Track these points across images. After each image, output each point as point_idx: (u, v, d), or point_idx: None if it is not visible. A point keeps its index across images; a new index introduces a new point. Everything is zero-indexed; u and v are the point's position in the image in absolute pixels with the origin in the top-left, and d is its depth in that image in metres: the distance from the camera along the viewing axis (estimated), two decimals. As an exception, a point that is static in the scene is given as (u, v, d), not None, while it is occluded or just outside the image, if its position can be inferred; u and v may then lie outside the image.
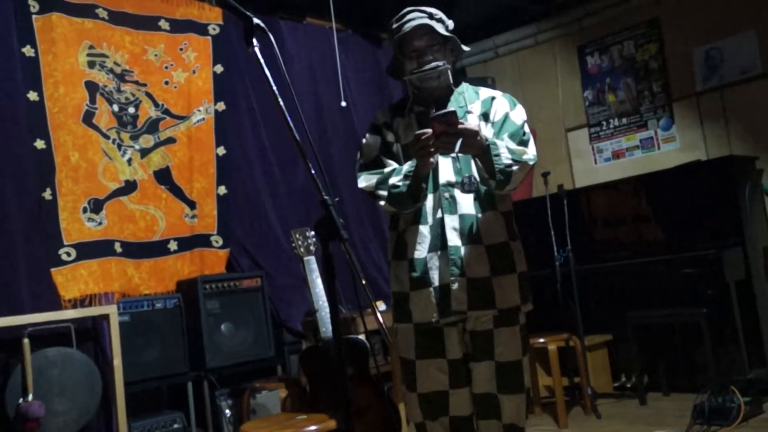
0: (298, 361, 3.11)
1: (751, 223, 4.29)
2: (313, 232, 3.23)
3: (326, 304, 2.79)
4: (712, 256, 4.06)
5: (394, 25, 2.23)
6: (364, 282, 1.70)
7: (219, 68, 4.42)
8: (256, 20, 1.66)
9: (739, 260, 4.15)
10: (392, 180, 2.11)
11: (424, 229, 2.16)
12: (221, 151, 4.36)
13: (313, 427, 2.24)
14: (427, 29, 2.16)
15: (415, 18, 2.18)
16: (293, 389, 3.22)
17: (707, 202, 4.35)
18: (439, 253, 2.13)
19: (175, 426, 3.56)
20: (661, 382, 4.40)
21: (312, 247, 3.25)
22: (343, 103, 4.89)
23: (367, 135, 2.28)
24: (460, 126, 1.97)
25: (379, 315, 1.82)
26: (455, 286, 2.10)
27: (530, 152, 2.15)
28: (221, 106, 4.40)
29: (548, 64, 5.75)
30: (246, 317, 3.98)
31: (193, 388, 3.71)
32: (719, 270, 4.03)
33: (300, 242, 3.32)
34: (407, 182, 2.07)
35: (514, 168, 2.06)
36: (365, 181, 2.19)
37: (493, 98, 2.26)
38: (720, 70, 4.81)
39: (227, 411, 3.75)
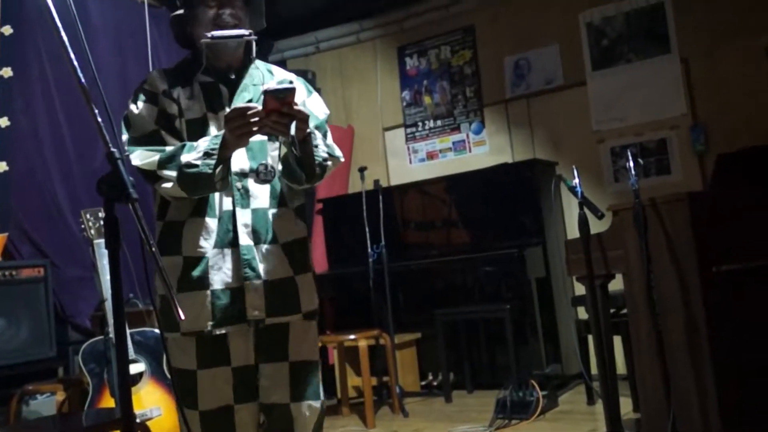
0: (79, 358, 2.72)
1: (551, 223, 4.55)
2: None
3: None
4: (515, 254, 4.23)
5: None
6: (161, 265, 1.43)
7: (8, 29, 3.86)
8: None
9: (539, 258, 4.38)
10: (186, 158, 1.74)
11: (211, 223, 1.83)
12: (4, 122, 3.81)
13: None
14: None
15: None
16: (73, 391, 2.82)
17: (512, 203, 4.55)
18: (226, 251, 1.83)
19: None
20: (466, 379, 4.50)
21: (104, 229, 2.89)
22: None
23: (139, 102, 1.86)
24: (295, 107, 1.71)
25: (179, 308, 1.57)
26: (250, 290, 1.82)
27: (336, 148, 1.98)
28: (7, 72, 3.85)
29: (369, 63, 5.74)
30: (23, 312, 3.46)
31: (-50, 395, 3.14)
32: (522, 268, 4.21)
33: (91, 223, 2.95)
34: (210, 162, 1.71)
35: (329, 163, 1.90)
36: (142, 158, 1.79)
37: (290, 82, 1.94)
38: (527, 79, 5.08)
39: (-7, 420, 3.22)
